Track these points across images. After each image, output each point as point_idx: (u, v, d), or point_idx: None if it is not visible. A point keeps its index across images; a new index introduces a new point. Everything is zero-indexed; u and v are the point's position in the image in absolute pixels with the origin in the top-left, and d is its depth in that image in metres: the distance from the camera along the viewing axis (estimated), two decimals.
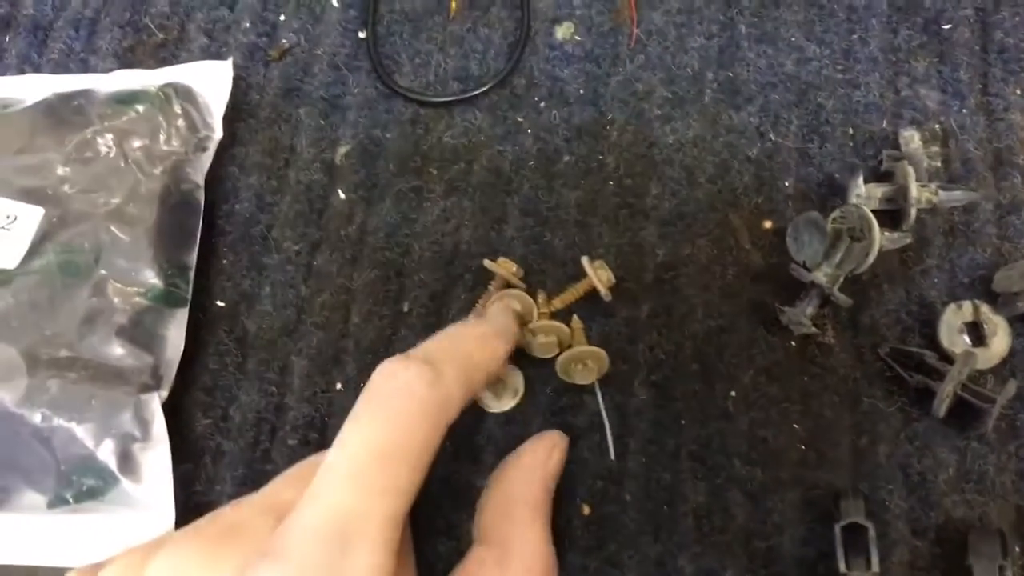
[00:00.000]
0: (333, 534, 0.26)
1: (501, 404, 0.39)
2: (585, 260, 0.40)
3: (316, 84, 0.47)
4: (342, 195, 0.44)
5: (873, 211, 0.38)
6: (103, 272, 0.39)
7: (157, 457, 0.38)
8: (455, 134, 0.45)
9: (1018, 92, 0.43)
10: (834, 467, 0.38)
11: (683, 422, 0.39)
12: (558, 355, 0.38)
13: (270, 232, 0.44)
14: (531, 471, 0.35)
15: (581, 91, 0.45)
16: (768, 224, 0.42)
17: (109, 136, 0.42)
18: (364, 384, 0.30)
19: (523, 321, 0.39)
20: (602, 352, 0.38)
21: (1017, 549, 0.36)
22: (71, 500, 0.37)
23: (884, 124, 0.43)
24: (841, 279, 0.38)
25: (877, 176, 0.42)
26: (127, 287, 0.39)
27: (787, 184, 0.43)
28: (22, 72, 0.48)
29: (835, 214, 0.39)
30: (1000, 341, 0.38)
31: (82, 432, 0.37)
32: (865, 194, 0.40)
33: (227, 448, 0.40)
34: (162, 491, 0.37)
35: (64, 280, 0.39)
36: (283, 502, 0.29)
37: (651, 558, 0.37)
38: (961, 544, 0.35)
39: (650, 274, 0.41)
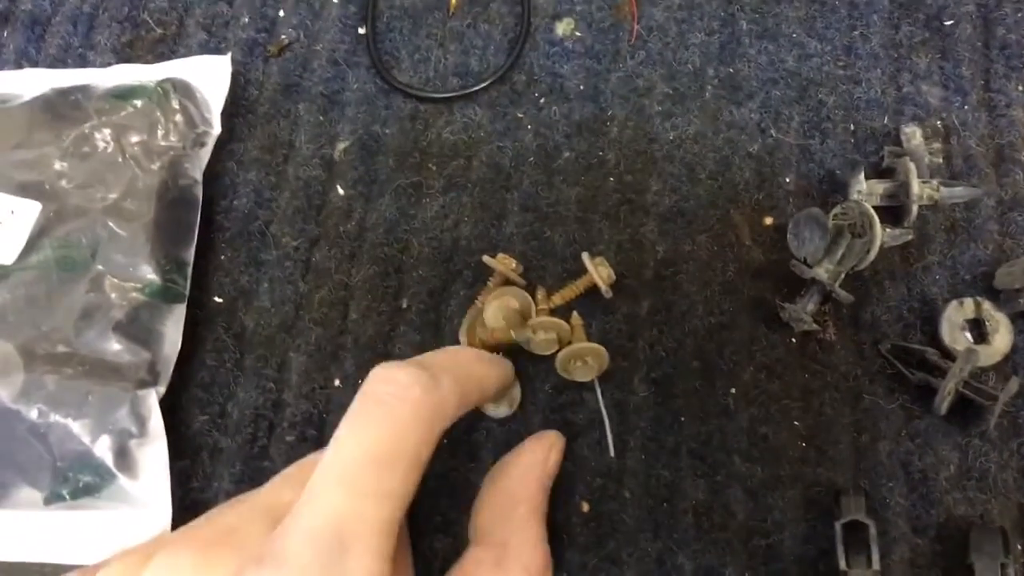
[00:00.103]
0: (329, 539, 0.26)
1: (497, 411, 0.39)
2: (586, 256, 0.39)
3: (315, 80, 0.47)
4: (341, 191, 0.44)
5: (874, 207, 0.38)
6: (100, 267, 0.39)
7: (154, 453, 0.38)
8: (454, 130, 0.45)
9: (1020, 88, 0.43)
10: (835, 464, 0.37)
11: (683, 419, 0.39)
12: (557, 352, 0.38)
13: (268, 228, 0.43)
14: (529, 471, 0.35)
15: (581, 87, 0.45)
16: (769, 220, 0.42)
17: (107, 131, 0.41)
18: (362, 381, 0.30)
19: (522, 317, 0.39)
20: (602, 349, 0.38)
21: (1019, 547, 0.36)
22: (67, 496, 0.37)
23: (885, 120, 0.43)
24: (842, 275, 0.38)
25: (878, 172, 0.42)
26: (124, 283, 0.39)
27: (788, 180, 0.42)
28: (20, 67, 0.48)
29: (836, 210, 0.39)
30: (1002, 338, 0.38)
31: (79, 428, 0.37)
32: (866, 190, 0.40)
33: (224, 445, 0.40)
34: (159, 488, 0.37)
35: (61, 275, 0.39)
36: (281, 503, 0.29)
37: (651, 555, 0.37)
38: (962, 542, 0.35)
39: (650, 270, 0.41)
